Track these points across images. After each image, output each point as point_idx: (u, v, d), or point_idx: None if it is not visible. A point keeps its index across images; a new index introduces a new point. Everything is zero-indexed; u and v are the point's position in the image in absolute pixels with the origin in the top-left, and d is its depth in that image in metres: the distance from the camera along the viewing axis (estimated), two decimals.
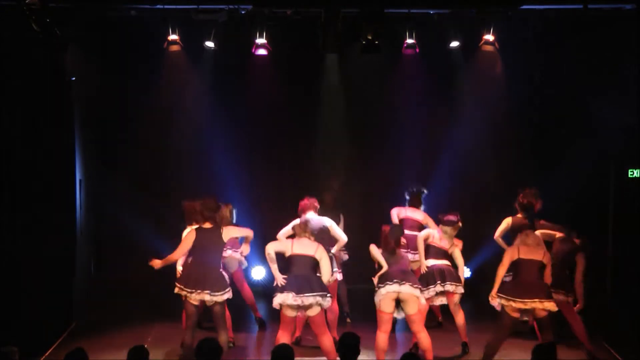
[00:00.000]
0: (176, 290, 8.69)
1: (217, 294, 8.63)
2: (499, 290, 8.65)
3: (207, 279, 8.66)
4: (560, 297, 9.16)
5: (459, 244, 9.50)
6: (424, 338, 8.57)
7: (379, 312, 8.60)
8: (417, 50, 11.05)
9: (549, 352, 6.74)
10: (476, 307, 11.45)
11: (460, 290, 9.30)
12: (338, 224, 9.96)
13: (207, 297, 8.61)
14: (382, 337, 8.60)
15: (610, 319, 10.37)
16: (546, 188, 10.45)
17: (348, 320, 10.38)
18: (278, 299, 8.38)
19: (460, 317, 9.46)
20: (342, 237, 9.32)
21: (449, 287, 9.24)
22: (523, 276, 8.61)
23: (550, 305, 8.52)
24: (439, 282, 9.23)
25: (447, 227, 9.39)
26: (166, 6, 10.18)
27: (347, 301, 10.44)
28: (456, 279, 9.32)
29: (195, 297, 8.63)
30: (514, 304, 8.48)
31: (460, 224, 9.39)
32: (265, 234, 10.71)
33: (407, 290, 8.44)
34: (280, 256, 8.54)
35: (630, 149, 10.75)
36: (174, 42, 10.90)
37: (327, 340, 8.51)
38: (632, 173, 10.64)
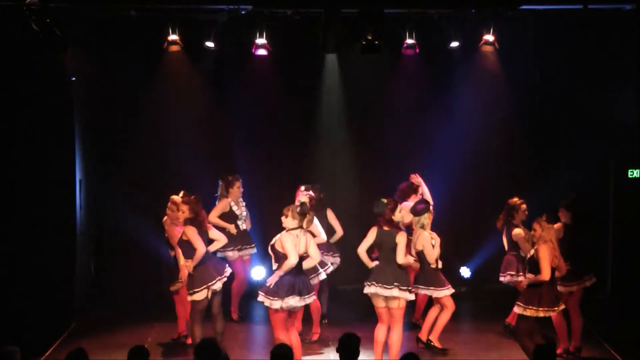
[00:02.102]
0: (203, 293, 8.76)
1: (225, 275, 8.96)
2: (523, 301, 8.44)
3: (217, 268, 8.94)
4: (562, 288, 9.12)
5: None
6: (396, 334, 8.59)
7: (374, 305, 8.70)
8: (417, 50, 11.04)
9: (549, 352, 6.75)
10: (476, 307, 11.48)
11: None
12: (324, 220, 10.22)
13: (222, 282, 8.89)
14: (379, 328, 8.69)
15: (610, 319, 10.37)
16: (546, 188, 10.46)
17: (324, 321, 10.39)
18: (285, 303, 8.38)
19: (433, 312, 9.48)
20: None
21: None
22: (550, 283, 8.42)
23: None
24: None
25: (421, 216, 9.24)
26: (166, 6, 10.17)
27: (327, 302, 10.46)
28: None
29: (213, 288, 8.78)
30: (543, 313, 8.37)
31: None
32: (264, 233, 10.73)
33: (378, 292, 8.54)
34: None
35: (630, 149, 10.76)
36: (174, 42, 10.90)
37: (296, 336, 8.67)
38: (632, 173, 10.66)
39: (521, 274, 9.83)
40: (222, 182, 10.57)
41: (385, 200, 8.74)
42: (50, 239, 10.02)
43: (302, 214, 8.59)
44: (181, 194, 9.64)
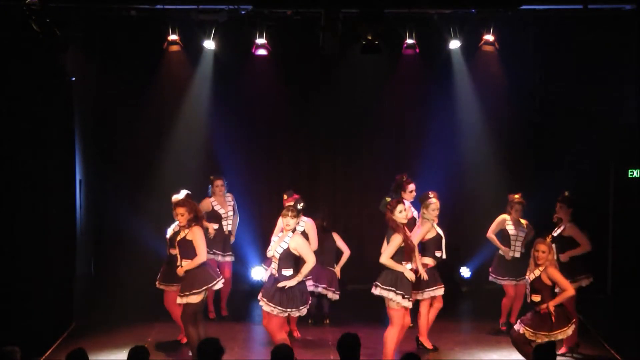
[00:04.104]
0: (201, 295, 8.77)
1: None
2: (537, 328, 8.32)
3: (214, 269, 9.09)
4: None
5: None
6: (390, 332, 8.56)
7: None
8: (417, 50, 11.04)
9: (549, 352, 6.75)
10: (476, 307, 11.49)
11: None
12: None
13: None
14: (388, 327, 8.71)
15: (609, 318, 10.37)
16: (546, 188, 10.45)
17: (326, 321, 10.46)
18: (301, 312, 8.61)
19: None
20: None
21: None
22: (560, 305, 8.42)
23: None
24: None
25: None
26: (166, 6, 10.17)
27: (328, 302, 10.49)
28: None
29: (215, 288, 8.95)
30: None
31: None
32: (264, 233, 10.72)
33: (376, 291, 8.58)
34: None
35: (630, 149, 10.75)
36: (174, 42, 10.89)
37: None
38: (632, 173, 10.65)
39: (507, 278, 9.98)
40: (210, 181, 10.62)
41: (388, 199, 8.69)
42: (50, 239, 10.01)
43: (300, 212, 8.64)
44: (182, 193, 9.62)
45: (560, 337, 8.35)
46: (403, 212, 8.56)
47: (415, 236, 9.13)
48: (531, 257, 8.47)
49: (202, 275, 8.75)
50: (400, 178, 9.91)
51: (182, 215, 8.82)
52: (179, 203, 8.94)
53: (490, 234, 10.15)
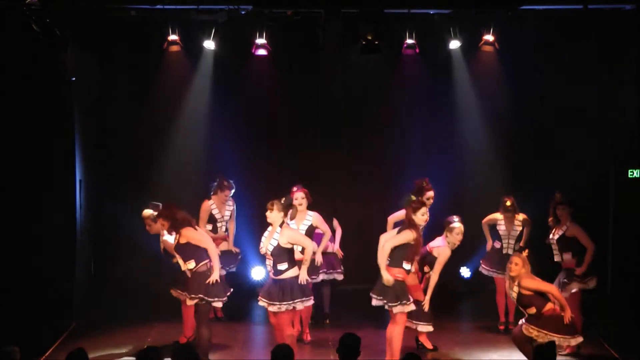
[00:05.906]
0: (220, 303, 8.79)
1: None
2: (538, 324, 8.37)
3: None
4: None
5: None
6: (393, 332, 8.58)
7: None
8: (417, 50, 11.04)
9: (549, 352, 6.76)
10: (476, 307, 11.49)
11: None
12: None
13: None
14: (388, 327, 8.71)
15: (610, 318, 10.37)
16: (546, 188, 10.45)
17: (327, 321, 10.45)
18: (303, 304, 8.59)
19: None
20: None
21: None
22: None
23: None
24: None
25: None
26: (166, 6, 10.17)
27: (329, 302, 10.51)
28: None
29: None
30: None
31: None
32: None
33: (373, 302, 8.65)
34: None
35: (630, 149, 10.76)
36: (174, 42, 10.89)
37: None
38: (632, 173, 10.66)
39: (496, 270, 10.12)
40: (217, 181, 10.48)
41: (413, 197, 8.71)
42: (50, 239, 10.01)
43: (287, 207, 8.58)
44: (149, 207, 9.61)
45: (563, 343, 8.37)
46: (425, 215, 8.65)
47: (439, 264, 9.14)
48: (506, 271, 8.55)
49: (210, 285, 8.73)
50: (420, 182, 9.88)
51: (163, 225, 8.91)
52: (156, 216, 9.03)
53: (484, 222, 10.35)
